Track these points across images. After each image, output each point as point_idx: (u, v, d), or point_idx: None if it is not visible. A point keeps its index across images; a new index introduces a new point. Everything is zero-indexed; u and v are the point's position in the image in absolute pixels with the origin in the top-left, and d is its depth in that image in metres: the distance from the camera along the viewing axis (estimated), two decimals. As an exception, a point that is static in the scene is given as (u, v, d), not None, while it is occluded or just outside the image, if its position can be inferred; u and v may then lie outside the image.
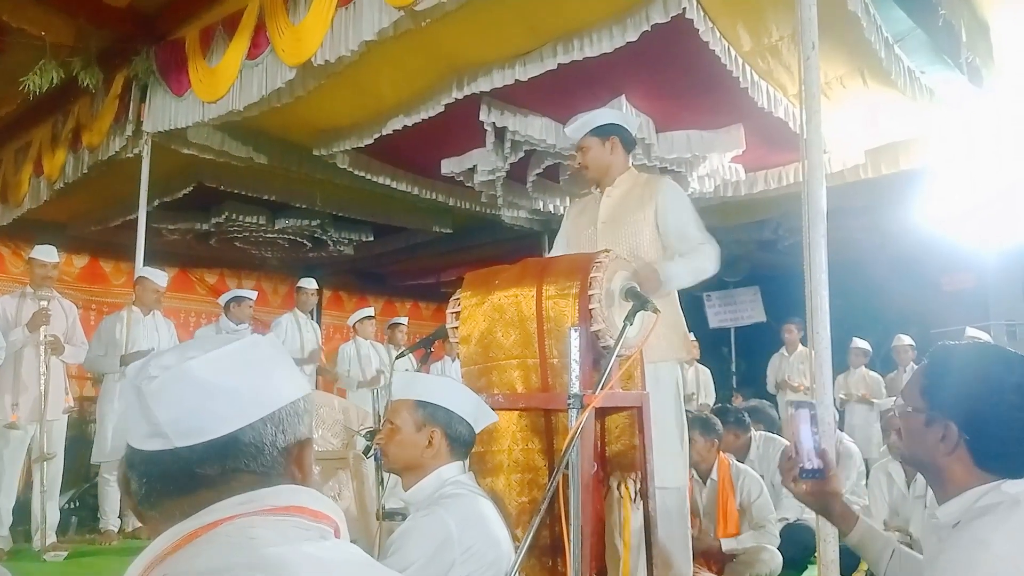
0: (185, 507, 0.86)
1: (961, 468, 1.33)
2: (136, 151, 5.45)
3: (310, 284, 7.08)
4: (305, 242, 8.93)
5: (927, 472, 1.42)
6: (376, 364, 7.32)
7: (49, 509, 4.93)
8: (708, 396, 8.17)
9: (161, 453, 0.87)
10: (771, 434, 5.03)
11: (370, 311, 7.74)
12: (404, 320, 8.32)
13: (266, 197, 7.26)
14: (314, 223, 8.27)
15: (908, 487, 4.15)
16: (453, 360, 7.74)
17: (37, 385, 4.85)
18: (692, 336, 8.10)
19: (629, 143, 3.20)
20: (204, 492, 0.86)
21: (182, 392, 0.87)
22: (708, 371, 8.38)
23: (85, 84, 5.16)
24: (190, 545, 0.80)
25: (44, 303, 4.87)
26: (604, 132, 3.11)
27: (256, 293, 6.84)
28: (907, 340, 7.23)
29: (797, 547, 4.20)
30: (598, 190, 3.22)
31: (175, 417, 0.87)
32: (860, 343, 7.51)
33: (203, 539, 0.81)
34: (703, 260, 2.92)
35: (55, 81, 4.96)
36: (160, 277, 5.48)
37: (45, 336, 4.85)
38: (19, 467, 4.92)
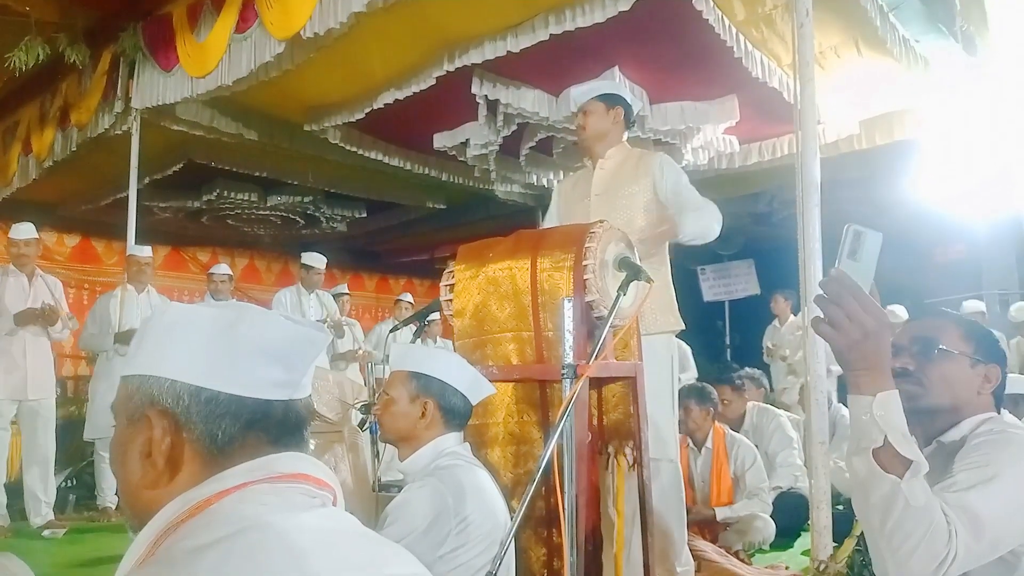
0: (224, 466, 0.83)
1: (983, 402, 1.55)
2: (125, 128, 5.39)
3: (317, 262, 6.87)
4: (298, 219, 8.89)
5: (948, 413, 1.52)
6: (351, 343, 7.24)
7: (48, 486, 4.97)
8: (688, 370, 6.60)
9: (274, 403, 0.87)
10: (764, 405, 5.06)
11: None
12: (408, 296, 8.38)
13: (257, 174, 7.21)
14: (306, 200, 8.23)
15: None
16: (435, 342, 7.74)
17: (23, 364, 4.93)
18: None
19: (629, 119, 3.25)
20: (267, 448, 0.86)
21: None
22: (686, 346, 6.60)
23: (72, 61, 5.09)
24: (203, 514, 0.79)
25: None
26: (611, 100, 3.17)
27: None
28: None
29: (790, 515, 4.25)
30: (590, 162, 3.23)
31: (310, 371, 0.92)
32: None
33: (215, 507, 0.79)
34: (710, 217, 2.98)
35: (41, 58, 4.89)
36: (143, 249, 5.45)
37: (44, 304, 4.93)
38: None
